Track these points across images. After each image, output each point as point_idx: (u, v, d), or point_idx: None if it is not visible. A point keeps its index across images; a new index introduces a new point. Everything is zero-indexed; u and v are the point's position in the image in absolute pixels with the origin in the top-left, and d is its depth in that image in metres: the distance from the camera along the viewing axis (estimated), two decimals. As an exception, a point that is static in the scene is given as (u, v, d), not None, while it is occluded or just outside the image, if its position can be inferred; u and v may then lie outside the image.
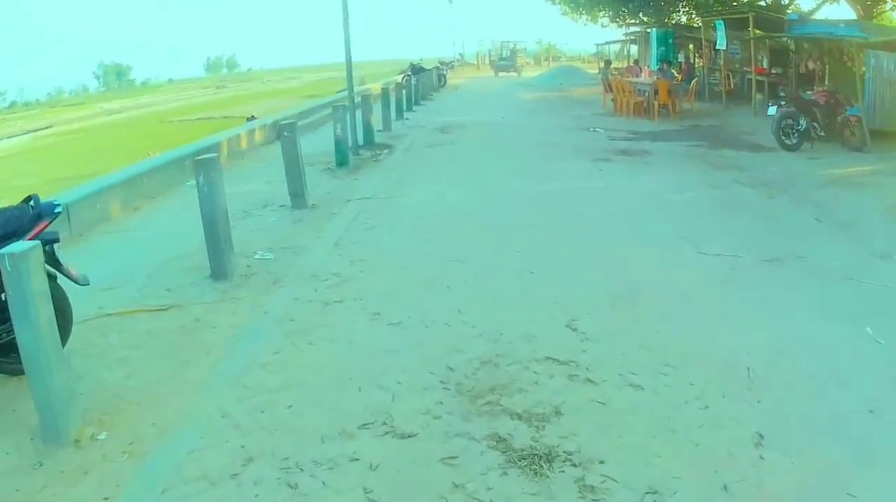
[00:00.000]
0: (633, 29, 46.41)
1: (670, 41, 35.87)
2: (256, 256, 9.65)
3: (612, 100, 28.47)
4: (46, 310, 5.15)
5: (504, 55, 75.13)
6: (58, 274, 6.23)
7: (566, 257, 9.21)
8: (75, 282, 6.41)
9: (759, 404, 5.45)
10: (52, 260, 6.10)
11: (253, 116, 41.90)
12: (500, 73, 69.03)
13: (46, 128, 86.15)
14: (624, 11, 42.29)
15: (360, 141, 19.00)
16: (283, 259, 9.51)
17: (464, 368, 6.08)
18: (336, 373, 6.11)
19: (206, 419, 5.48)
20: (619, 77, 29.54)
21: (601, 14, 45.87)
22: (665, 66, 28.16)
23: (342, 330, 7.06)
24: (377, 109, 22.97)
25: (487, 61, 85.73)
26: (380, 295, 7.98)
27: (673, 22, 40.07)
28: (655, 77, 27.02)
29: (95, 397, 5.88)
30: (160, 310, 7.84)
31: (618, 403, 5.46)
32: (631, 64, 39.34)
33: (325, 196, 13.23)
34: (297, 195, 12.27)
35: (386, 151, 18.68)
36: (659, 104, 24.76)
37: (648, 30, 40.12)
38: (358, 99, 19.67)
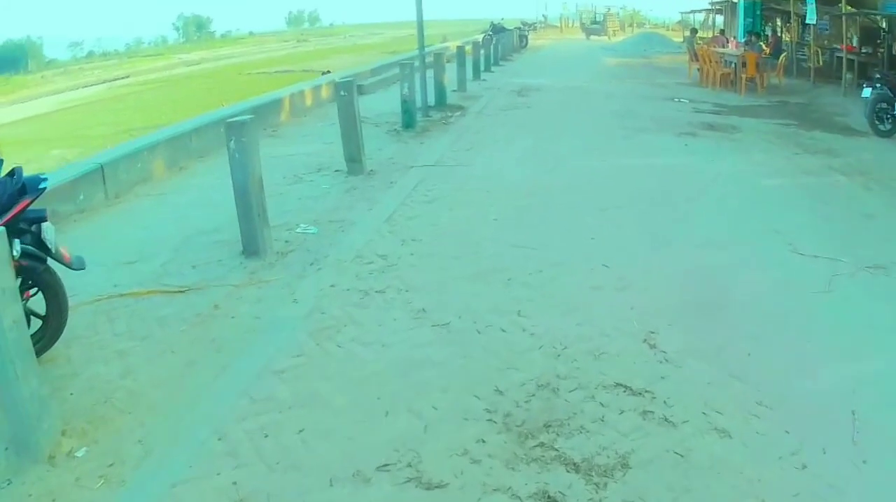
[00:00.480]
0: (719, -1, 44.56)
1: (758, 12, 33.90)
2: (298, 230, 8.72)
3: (698, 69, 27.00)
4: (12, 311, 4.23)
5: (596, 19, 76.90)
6: (49, 257, 5.35)
7: (646, 249, 8.00)
8: (68, 266, 5.50)
9: (865, 465, 4.27)
10: (38, 242, 5.21)
11: (328, 71, 41.24)
12: (592, 36, 68.84)
13: (124, 77, 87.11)
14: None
15: (432, 101, 18.02)
16: (327, 234, 8.54)
17: (516, 393, 4.99)
18: (362, 390, 5.08)
19: (199, 441, 4.53)
20: (705, 47, 28.00)
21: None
22: (753, 37, 26.61)
23: (378, 330, 6.02)
24: (452, 69, 22.01)
25: (573, 24, 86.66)
26: (429, 285, 6.94)
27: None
28: (742, 49, 25.49)
29: (85, 399, 5.04)
30: (178, 291, 6.95)
31: (699, 455, 4.31)
32: (717, 34, 37.55)
33: (385, 161, 12.26)
34: (354, 160, 11.29)
35: (458, 113, 17.60)
36: (746, 77, 23.25)
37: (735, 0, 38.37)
38: (430, 58, 18.64)
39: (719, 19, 47.67)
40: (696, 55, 27.64)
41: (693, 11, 61.70)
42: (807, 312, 6.46)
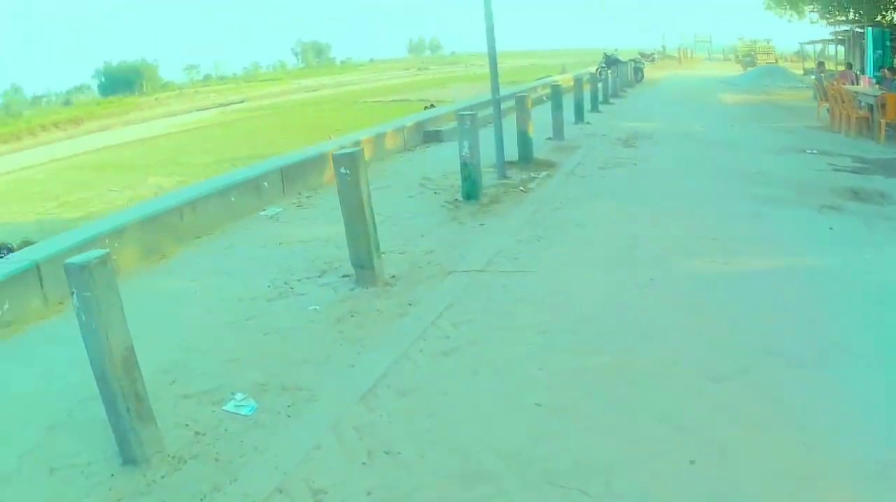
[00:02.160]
0: (842, 27, 39.90)
1: (887, 43, 29.44)
2: (228, 406, 5.42)
3: (827, 110, 23.05)
4: None
5: (752, 52, 75.10)
6: None
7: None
8: None
9: None
10: None
11: (432, 105, 38.54)
12: (748, 68, 64.91)
13: (239, 102, 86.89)
14: (834, 6, 36.19)
15: (516, 156, 14.70)
16: (263, 421, 5.19)
17: None
18: None
19: None
20: (835, 84, 23.72)
21: (809, 8, 39.73)
22: (888, 73, 22.33)
23: None
24: (543, 112, 18.66)
25: (692, 54, 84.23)
26: None
27: (887, 21, 33.36)
28: (877, 87, 21.41)
29: None
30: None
31: None
32: (844, 68, 32.60)
33: (419, 259, 8.84)
34: (363, 266, 7.85)
35: (544, 173, 14.02)
36: (885, 122, 19.01)
37: (858, 28, 33.84)
38: (511, 102, 15.27)
39: (838, 49, 43.14)
40: (824, 93, 23.60)
41: (813, 42, 56.84)
42: None
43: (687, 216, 10.83)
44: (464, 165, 11.62)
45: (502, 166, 13.51)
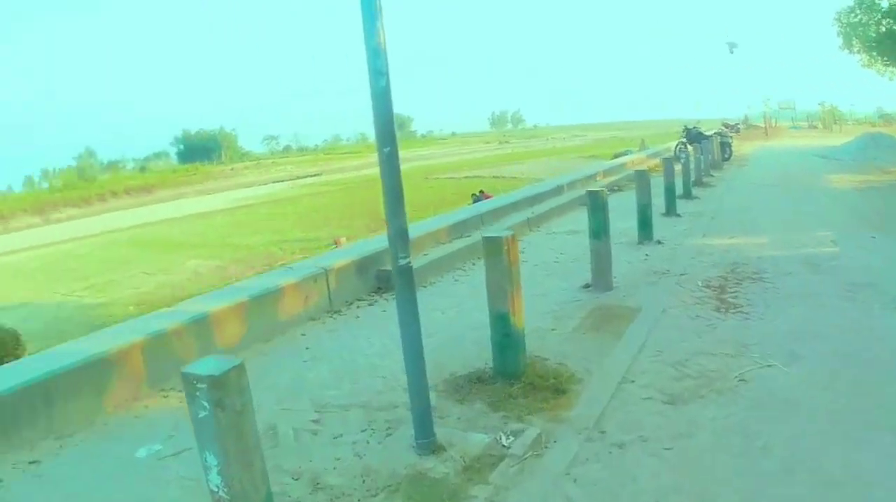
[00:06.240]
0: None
1: None
2: None
3: None
4: None
5: None
6: None
7: None
8: None
9: None
10: None
11: (482, 191, 31.14)
12: None
13: (315, 175, 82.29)
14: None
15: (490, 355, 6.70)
16: None
17: None
18: None
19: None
20: None
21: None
22: None
23: None
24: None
25: (776, 123, 74.40)
26: None
27: None
28: None
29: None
30: None
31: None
32: None
33: None
34: None
35: (530, 438, 5.65)
36: None
37: None
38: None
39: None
40: None
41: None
42: None
43: None
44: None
45: (424, 416, 5.28)
